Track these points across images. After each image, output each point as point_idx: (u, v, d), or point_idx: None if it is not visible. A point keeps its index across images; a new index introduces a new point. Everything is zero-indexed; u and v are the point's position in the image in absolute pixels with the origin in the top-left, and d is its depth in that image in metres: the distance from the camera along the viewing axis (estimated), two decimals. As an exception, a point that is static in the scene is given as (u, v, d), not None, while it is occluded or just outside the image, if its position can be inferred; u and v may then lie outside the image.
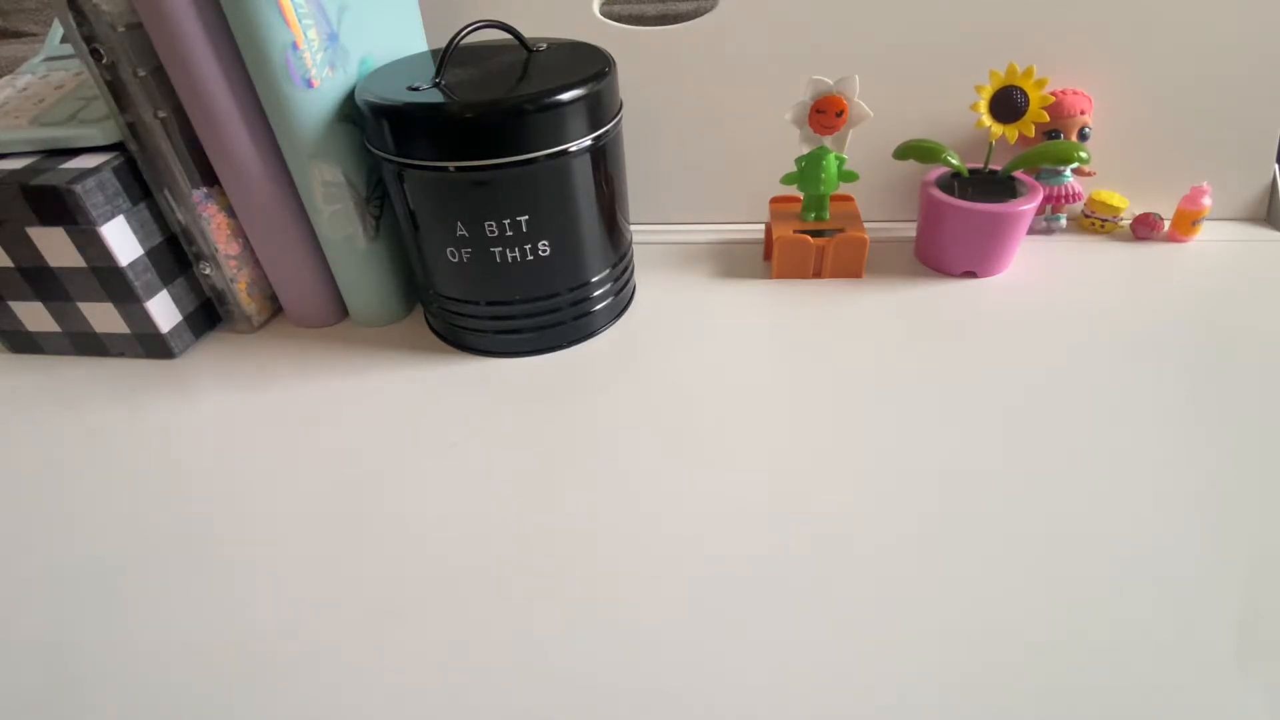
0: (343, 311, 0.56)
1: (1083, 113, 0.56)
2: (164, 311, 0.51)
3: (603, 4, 0.58)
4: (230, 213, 0.50)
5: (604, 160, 0.46)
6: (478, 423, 0.45)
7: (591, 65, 0.45)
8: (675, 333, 0.51)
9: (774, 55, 0.57)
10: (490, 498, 0.40)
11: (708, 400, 0.45)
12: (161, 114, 0.45)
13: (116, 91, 0.44)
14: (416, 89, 0.43)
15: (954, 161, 0.54)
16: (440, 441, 0.43)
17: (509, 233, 0.45)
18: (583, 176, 0.45)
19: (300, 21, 0.42)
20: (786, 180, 0.55)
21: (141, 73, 0.43)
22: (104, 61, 0.43)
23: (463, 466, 0.42)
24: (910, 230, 0.60)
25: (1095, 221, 0.59)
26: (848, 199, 0.58)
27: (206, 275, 0.52)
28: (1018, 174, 0.54)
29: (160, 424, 0.47)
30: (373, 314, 0.54)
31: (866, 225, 0.55)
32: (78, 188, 0.44)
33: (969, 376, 0.46)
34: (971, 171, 0.55)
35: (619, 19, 0.58)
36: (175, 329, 0.52)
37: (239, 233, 0.51)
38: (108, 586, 0.36)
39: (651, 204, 0.64)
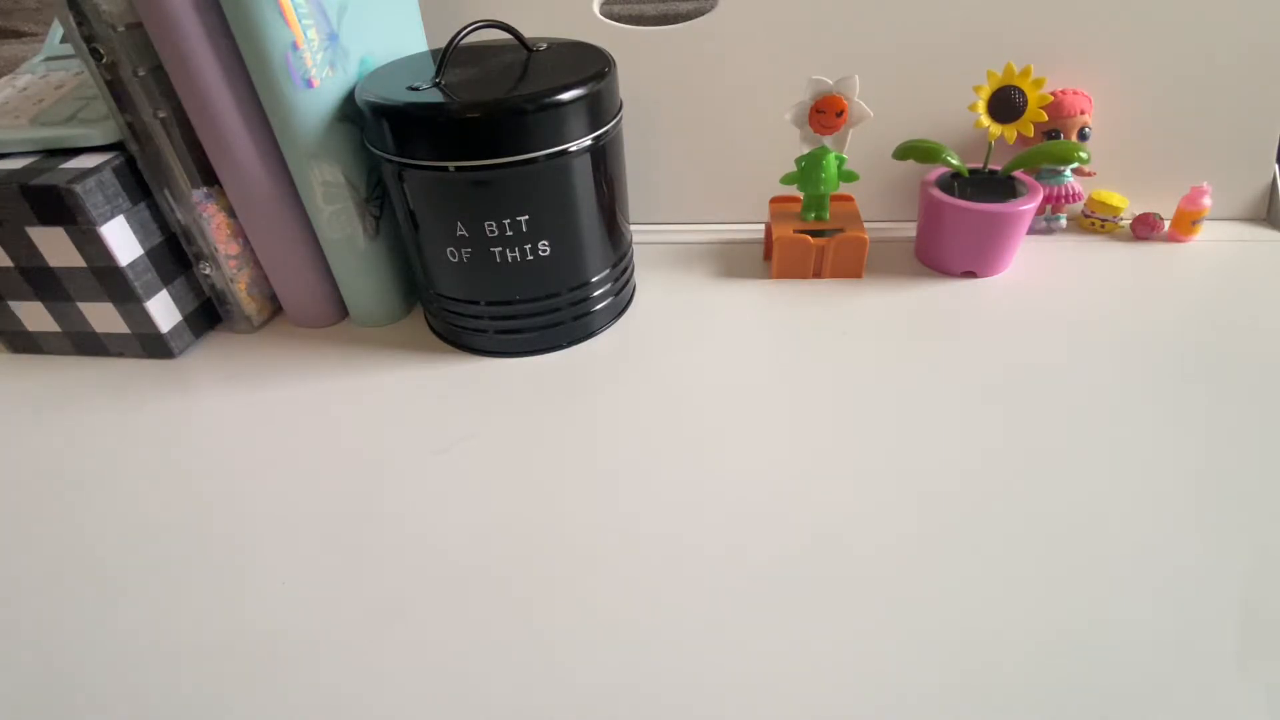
0: (343, 311, 0.56)
1: (1083, 113, 0.56)
2: (164, 311, 0.51)
3: (603, 4, 0.58)
4: (230, 213, 0.50)
5: (604, 160, 0.46)
6: (478, 423, 0.45)
7: (591, 65, 0.45)
8: (675, 333, 0.51)
9: (774, 55, 0.57)
10: (490, 497, 0.40)
11: (707, 400, 0.45)
12: (161, 114, 0.45)
13: (116, 91, 0.44)
14: (416, 89, 0.43)
15: (954, 161, 0.54)
16: (440, 441, 0.43)
17: (509, 233, 0.45)
18: (583, 176, 0.45)
19: (300, 21, 0.42)
20: (786, 180, 0.55)
21: (141, 73, 0.43)
22: (104, 61, 0.43)
23: (463, 466, 0.42)
24: (910, 230, 0.60)
25: (1095, 221, 0.59)
26: (848, 199, 0.58)
27: (206, 275, 0.52)
28: (1018, 174, 0.54)
29: (160, 424, 0.47)
30: (373, 314, 0.54)
31: (866, 225, 0.55)
32: (78, 188, 0.44)
33: (969, 376, 0.46)
34: (971, 171, 0.55)
35: (619, 19, 0.58)
36: (175, 329, 0.52)
37: (239, 233, 0.51)
38: (108, 586, 0.36)
39: (651, 204, 0.64)
